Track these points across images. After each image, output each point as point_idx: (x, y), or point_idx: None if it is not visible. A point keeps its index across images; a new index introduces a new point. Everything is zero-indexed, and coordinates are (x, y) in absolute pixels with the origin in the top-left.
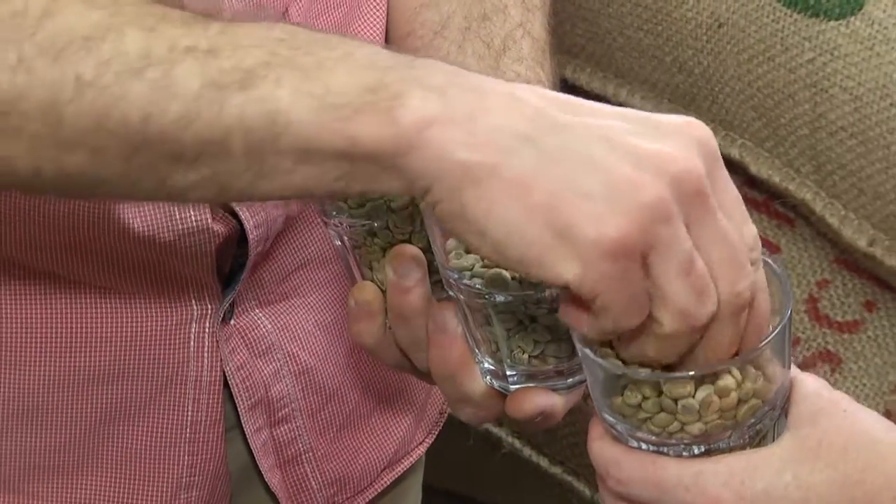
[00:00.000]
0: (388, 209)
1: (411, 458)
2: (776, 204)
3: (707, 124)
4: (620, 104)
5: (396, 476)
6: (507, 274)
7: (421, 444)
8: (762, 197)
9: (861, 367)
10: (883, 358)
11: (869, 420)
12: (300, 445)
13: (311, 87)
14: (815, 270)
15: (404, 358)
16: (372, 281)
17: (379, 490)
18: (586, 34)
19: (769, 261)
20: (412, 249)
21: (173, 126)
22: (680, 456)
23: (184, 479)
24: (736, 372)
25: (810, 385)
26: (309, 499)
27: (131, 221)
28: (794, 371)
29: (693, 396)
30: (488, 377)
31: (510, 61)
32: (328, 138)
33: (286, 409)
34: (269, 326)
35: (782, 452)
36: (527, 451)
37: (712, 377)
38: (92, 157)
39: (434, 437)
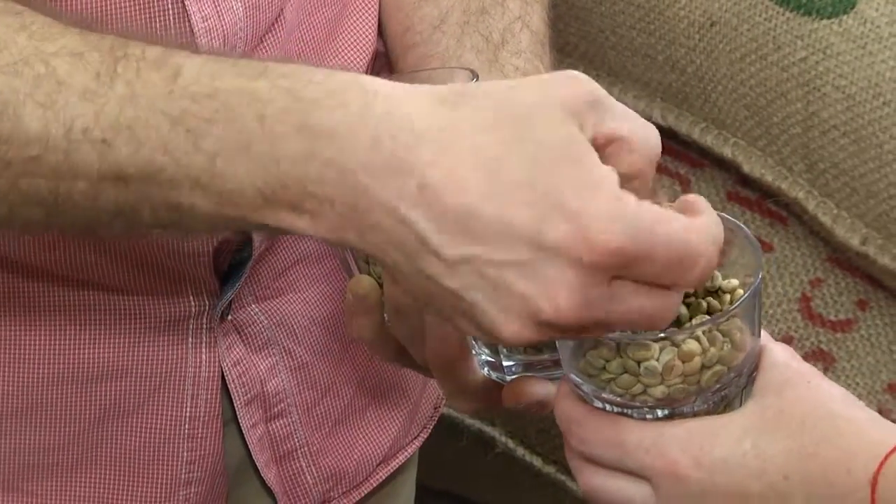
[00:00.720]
0: None
1: (406, 453)
2: (769, 202)
3: (699, 123)
4: None
5: (391, 471)
6: None
7: (416, 438)
8: (755, 196)
9: (854, 366)
10: (876, 357)
11: (832, 393)
12: (296, 441)
13: (206, 189)
14: (807, 269)
15: (402, 352)
16: (369, 275)
17: (374, 485)
18: (578, 33)
19: (743, 228)
20: None
21: (82, 197)
22: (643, 419)
23: (182, 476)
24: (702, 337)
25: (779, 354)
26: (304, 494)
27: None
28: (765, 339)
29: (656, 360)
30: (486, 368)
31: (508, 55)
32: (233, 224)
33: (282, 405)
34: (266, 322)
35: (743, 420)
36: (520, 451)
37: (677, 341)
38: (15, 212)
39: (428, 432)
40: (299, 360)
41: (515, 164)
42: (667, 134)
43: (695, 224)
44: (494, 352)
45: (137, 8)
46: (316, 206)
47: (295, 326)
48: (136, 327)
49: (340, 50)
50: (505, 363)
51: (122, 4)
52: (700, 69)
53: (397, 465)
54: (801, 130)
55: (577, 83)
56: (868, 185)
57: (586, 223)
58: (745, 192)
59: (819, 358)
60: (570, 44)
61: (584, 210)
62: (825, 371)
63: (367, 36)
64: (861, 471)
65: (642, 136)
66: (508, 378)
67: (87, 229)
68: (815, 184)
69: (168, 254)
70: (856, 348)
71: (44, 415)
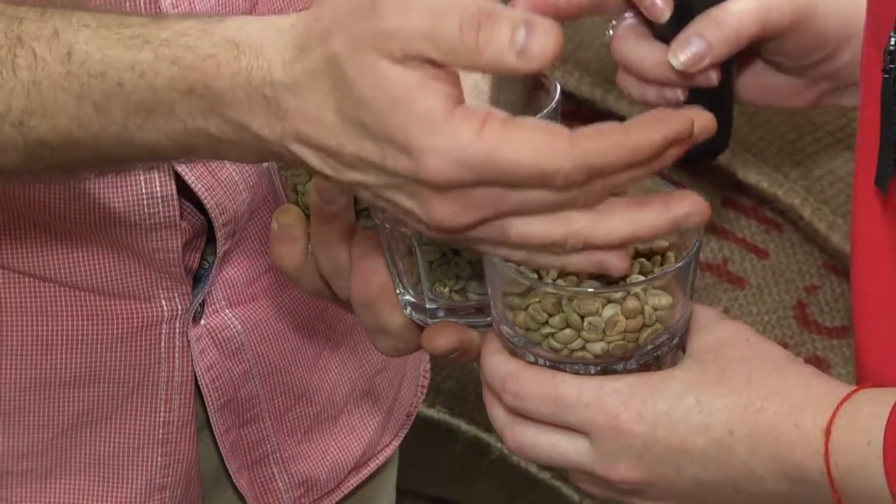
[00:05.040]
0: None
1: (378, 461)
2: (764, 209)
3: None
4: (608, 109)
5: (363, 478)
6: None
7: (388, 446)
8: (750, 202)
9: (850, 373)
10: None
11: (772, 349)
12: (268, 447)
13: (128, 146)
14: (803, 276)
15: (324, 285)
16: (296, 204)
17: (346, 492)
18: (573, 39)
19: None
20: None
21: (16, 165)
22: (577, 374)
23: (157, 481)
24: (642, 295)
25: (710, 315)
26: (276, 500)
27: (100, 211)
28: (692, 304)
29: (599, 315)
30: (408, 309)
31: None
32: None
33: (254, 410)
34: (239, 327)
35: (684, 376)
36: (515, 457)
37: (620, 296)
38: None
39: (400, 440)
40: (272, 365)
41: (351, 108)
42: None
43: (541, 145)
44: (418, 293)
45: None
46: (224, 149)
47: (268, 332)
48: (110, 332)
49: None
50: (428, 305)
51: None
52: None
53: (369, 473)
54: (797, 137)
55: (370, 17)
56: None
57: (418, 158)
58: (740, 199)
59: (814, 364)
60: (565, 50)
61: (414, 144)
62: None
63: None
64: (810, 424)
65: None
66: (430, 321)
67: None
68: (810, 190)
69: (138, 248)
70: (851, 355)
71: (18, 421)
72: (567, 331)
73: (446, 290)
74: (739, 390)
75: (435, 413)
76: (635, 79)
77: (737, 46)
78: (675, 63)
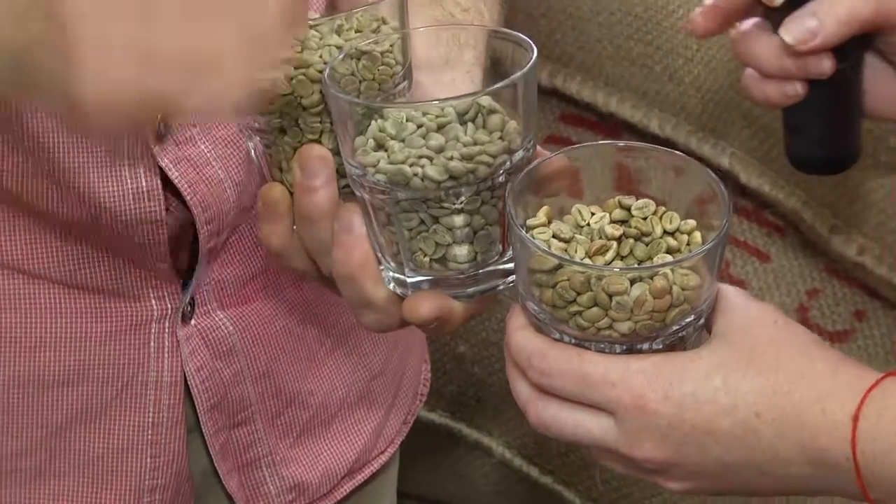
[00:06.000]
0: (300, 106)
1: (373, 467)
2: (766, 213)
3: (697, 133)
4: (610, 113)
5: (356, 485)
6: (409, 171)
7: (383, 452)
8: (752, 206)
9: None
10: (873, 367)
11: (800, 332)
12: (259, 449)
13: None
14: (805, 279)
15: (312, 264)
16: (281, 182)
17: (338, 498)
18: (576, 43)
19: (710, 173)
20: (319, 150)
21: None
22: (602, 353)
23: (146, 482)
24: (671, 275)
25: (737, 296)
26: None
27: (86, 205)
28: (718, 283)
29: (627, 294)
30: (392, 284)
31: None
32: None
33: (246, 412)
34: (231, 328)
35: (712, 357)
36: (517, 461)
37: (649, 276)
38: None
39: (396, 447)
40: (265, 367)
41: None
42: (664, 144)
43: None
44: (399, 264)
45: None
46: None
47: (261, 334)
48: (99, 330)
49: None
50: (410, 279)
51: None
52: (698, 79)
53: (363, 479)
54: None
55: None
56: (865, 194)
57: None
58: (742, 203)
59: None
60: (567, 54)
61: None
62: None
63: None
64: (837, 410)
65: None
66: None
67: None
68: (812, 194)
69: (125, 244)
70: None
71: (6, 419)
72: (594, 309)
73: (426, 259)
74: (767, 373)
75: (436, 417)
76: (757, 78)
77: (849, 27)
78: (786, 38)
